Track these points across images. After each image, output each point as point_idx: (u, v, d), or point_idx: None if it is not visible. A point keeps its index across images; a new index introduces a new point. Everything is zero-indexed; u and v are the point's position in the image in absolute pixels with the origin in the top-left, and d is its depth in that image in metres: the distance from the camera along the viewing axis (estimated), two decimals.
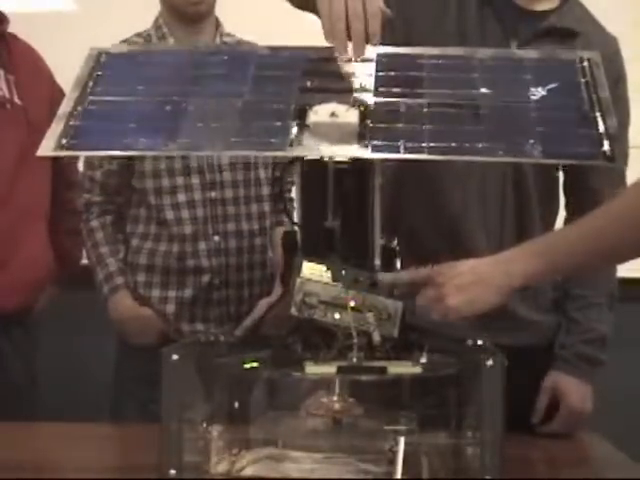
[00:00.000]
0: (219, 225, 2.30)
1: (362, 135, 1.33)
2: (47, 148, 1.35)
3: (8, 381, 2.23)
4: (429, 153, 1.31)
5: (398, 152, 1.31)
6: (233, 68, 1.48)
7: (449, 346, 1.37)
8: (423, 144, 1.31)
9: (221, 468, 1.37)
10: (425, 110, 1.38)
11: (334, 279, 1.32)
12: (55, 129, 1.37)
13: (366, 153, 1.31)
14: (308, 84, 1.42)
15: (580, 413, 1.76)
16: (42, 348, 2.38)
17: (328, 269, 1.32)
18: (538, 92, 1.40)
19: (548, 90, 1.41)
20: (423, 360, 1.30)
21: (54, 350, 2.75)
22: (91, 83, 1.45)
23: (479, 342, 1.37)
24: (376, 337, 1.29)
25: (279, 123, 1.35)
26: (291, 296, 1.31)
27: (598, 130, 1.34)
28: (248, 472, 1.36)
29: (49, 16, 3.03)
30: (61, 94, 2.32)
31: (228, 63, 1.50)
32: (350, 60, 1.43)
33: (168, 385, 1.27)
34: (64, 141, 1.35)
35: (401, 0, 1.70)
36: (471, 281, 1.36)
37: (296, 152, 1.34)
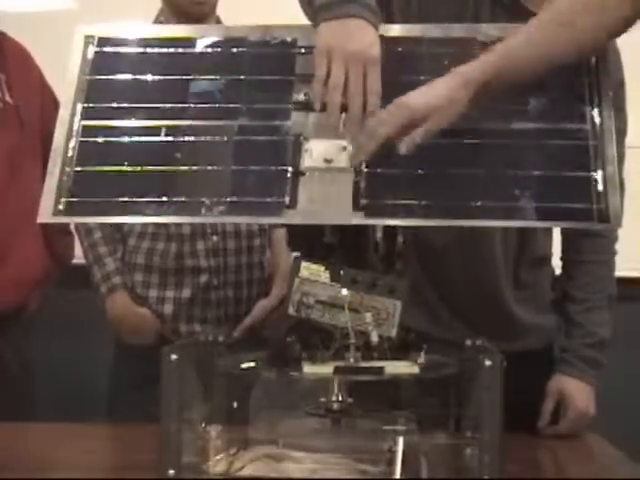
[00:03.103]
0: (217, 225, 2.30)
1: (357, 185, 1.32)
2: (46, 212, 1.34)
3: (5, 381, 2.23)
4: (424, 216, 1.30)
5: (392, 217, 1.31)
6: (226, 68, 1.45)
7: (448, 347, 1.36)
8: (417, 202, 1.30)
9: (220, 468, 1.37)
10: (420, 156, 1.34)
11: (332, 279, 1.32)
12: (51, 180, 1.36)
13: (360, 218, 1.30)
14: (302, 97, 1.41)
15: (586, 415, 1.76)
16: (39, 348, 2.37)
17: (326, 269, 1.32)
18: (538, 102, 1.39)
19: (550, 100, 1.39)
20: (421, 360, 1.30)
21: (51, 350, 2.75)
22: (83, 95, 1.43)
23: (478, 342, 1.37)
24: (374, 337, 1.29)
25: (274, 168, 1.34)
26: (289, 296, 1.31)
27: (596, 174, 1.32)
28: (247, 472, 1.36)
29: (48, 15, 3.03)
30: (51, 94, 2.32)
31: (221, 64, 1.46)
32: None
33: (167, 385, 1.27)
34: (61, 206, 1.34)
35: (421, 0, 1.70)
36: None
37: (292, 219, 1.32)
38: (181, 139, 1.38)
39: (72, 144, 1.39)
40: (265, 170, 1.35)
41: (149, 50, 1.49)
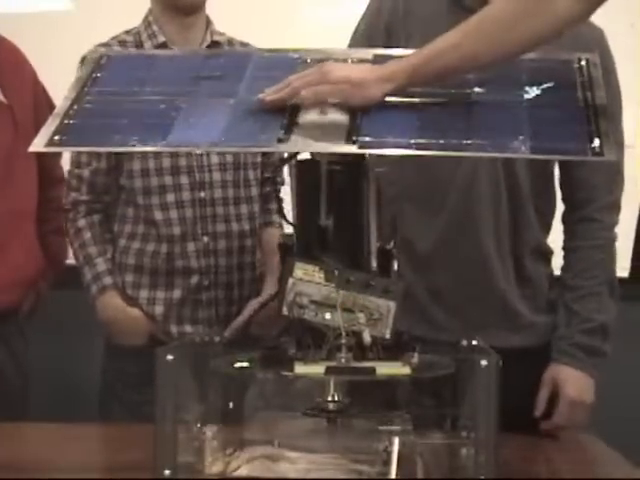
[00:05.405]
0: (208, 226, 2.29)
1: (351, 132, 1.33)
2: (39, 145, 1.35)
3: (0, 380, 2.22)
4: (416, 149, 1.31)
5: (385, 148, 1.32)
6: (230, 69, 1.49)
7: (443, 347, 1.37)
8: (411, 140, 1.32)
9: (216, 468, 1.37)
10: (416, 108, 1.38)
11: (326, 279, 1.31)
12: (48, 127, 1.37)
13: (352, 149, 1.31)
14: None
15: (579, 404, 1.75)
16: (34, 348, 2.37)
17: (321, 269, 1.32)
18: (533, 91, 1.41)
19: (543, 89, 1.41)
20: (414, 361, 1.30)
21: (46, 350, 2.74)
22: (89, 83, 1.46)
23: (474, 342, 1.38)
24: (366, 337, 1.29)
25: (269, 119, 1.36)
26: (283, 296, 1.31)
27: (590, 127, 1.34)
28: (243, 472, 1.36)
29: (45, 16, 3.02)
30: (44, 93, 2.32)
31: (226, 65, 1.51)
32: None
33: (163, 385, 1.27)
34: (56, 138, 1.35)
35: (404, 15, 1.72)
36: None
37: (282, 148, 1.35)
38: (180, 106, 1.41)
39: (74, 108, 1.42)
40: (260, 120, 1.37)
41: (160, 60, 1.56)
